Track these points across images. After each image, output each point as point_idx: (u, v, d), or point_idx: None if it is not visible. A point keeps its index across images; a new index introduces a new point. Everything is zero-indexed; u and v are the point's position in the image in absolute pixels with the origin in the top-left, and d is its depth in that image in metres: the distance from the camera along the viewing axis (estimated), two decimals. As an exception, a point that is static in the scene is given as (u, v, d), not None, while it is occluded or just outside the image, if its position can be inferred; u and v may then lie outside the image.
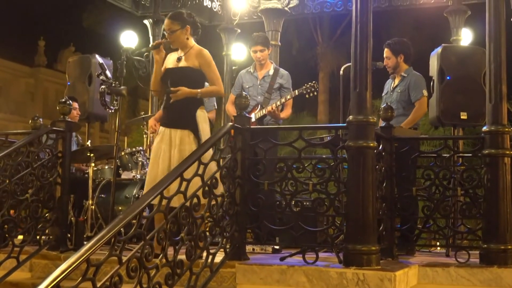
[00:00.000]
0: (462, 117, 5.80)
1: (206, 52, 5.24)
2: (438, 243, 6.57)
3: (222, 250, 4.65)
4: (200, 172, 4.37)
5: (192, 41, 5.29)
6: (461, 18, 8.51)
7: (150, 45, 5.27)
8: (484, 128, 4.98)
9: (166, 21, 5.28)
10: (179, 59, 5.26)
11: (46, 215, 5.65)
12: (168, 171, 4.76)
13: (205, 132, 5.15)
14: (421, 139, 6.07)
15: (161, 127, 5.29)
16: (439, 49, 5.92)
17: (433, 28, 13.97)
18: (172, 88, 5.12)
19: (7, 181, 5.42)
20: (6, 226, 5.37)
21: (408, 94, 6.22)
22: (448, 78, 5.82)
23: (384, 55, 6.31)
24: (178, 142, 5.07)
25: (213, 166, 4.57)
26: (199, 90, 5.17)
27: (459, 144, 6.10)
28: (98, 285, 3.40)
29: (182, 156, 4.87)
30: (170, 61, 5.33)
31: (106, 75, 6.20)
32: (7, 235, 5.36)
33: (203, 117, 5.20)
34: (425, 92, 6.15)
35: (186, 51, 5.25)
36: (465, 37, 9.01)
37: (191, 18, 5.27)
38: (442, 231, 5.49)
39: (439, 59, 5.86)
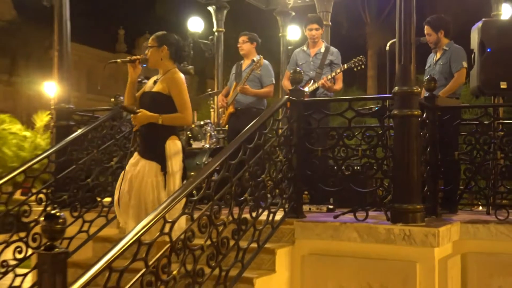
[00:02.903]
0: (502, 86, 5.60)
1: (177, 76, 4.31)
2: (479, 203, 6.44)
3: (281, 209, 4.69)
4: (260, 141, 4.41)
5: (169, 64, 4.37)
6: (501, -7, 8.21)
7: (127, 58, 4.43)
8: (524, 96, 4.82)
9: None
10: (155, 82, 4.41)
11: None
12: (134, 201, 4.15)
13: (175, 163, 4.23)
14: (462, 108, 5.92)
15: (136, 153, 4.36)
16: (479, 24, 5.73)
17: (475, 4, 13.46)
18: (134, 110, 4.29)
19: (95, 151, 5.61)
20: (96, 189, 5.57)
21: (450, 66, 6.06)
22: (488, 50, 5.62)
23: (425, 32, 6.14)
24: (144, 171, 4.16)
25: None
26: (160, 116, 4.19)
27: (499, 111, 5.92)
28: (174, 239, 3.49)
29: (141, 187, 4.13)
30: (149, 83, 4.52)
31: (176, 57, 6.28)
32: (97, 197, 5.56)
33: (173, 148, 4.23)
34: (464, 64, 5.98)
35: (162, 74, 4.40)
36: (505, 11, 8.67)
37: (174, 41, 4.41)
38: (483, 191, 5.40)
39: (479, 33, 5.67)
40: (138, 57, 4.41)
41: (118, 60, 4.54)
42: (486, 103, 7.57)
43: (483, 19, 5.83)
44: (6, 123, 23.98)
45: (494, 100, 5.91)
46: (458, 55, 6.06)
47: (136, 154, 4.32)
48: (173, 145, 4.24)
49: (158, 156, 4.18)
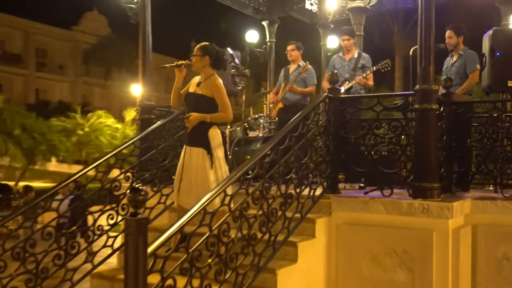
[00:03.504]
0: (509, 84, 5.38)
1: (218, 82, 4.35)
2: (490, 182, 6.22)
3: (320, 186, 4.66)
4: (304, 130, 4.39)
5: (210, 71, 4.39)
6: (510, 6, 7.84)
7: (174, 63, 4.46)
8: (527, 92, 4.62)
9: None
10: (198, 85, 4.41)
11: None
12: (192, 183, 4.27)
13: (220, 151, 4.34)
14: (474, 102, 5.70)
15: (186, 145, 4.47)
16: (490, 32, 5.51)
17: (487, 16, 12.90)
18: (186, 115, 4.38)
19: (170, 139, 5.69)
20: (171, 169, 5.61)
21: (465, 68, 5.87)
22: (498, 54, 5.40)
23: (448, 35, 5.96)
24: (195, 158, 4.30)
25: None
26: (208, 115, 4.29)
27: (507, 105, 5.70)
28: (233, 208, 3.53)
29: (196, 169, 4.26)
30: (192, 84, 4.49)
31: (235, 62, 6.32)
32: (172, 176, 5.58)
33: (215, 135, 4.33)
34: (478, 66, 5.78)
35: (204, 78, 4.40)
36: (514, 22, 8.29)
37: (214, 52, 4.40)
38: (492, 173, 5.21)
39: (490, 39, 5.46)
40: (183, 62, 4.47)
41: (167, 65, 4.58)
42: (495, 99, 7.29)
43: (494, 28, 5.62)
44: (102, 118, 24.74)
45: (502, 96, 5.69)
46: (472, 59, 5.88)
47: (185, 147, 4.43)
48: (215, 133, 4.34)
49: (204, 142, 4.27)
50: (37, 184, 20.28)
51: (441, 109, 4.66)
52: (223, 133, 6.95)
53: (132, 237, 2.70)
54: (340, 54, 6.58)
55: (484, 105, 6.87)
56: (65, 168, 24.82)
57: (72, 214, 6.98)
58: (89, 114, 25.29)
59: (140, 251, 2.70)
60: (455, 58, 5.99)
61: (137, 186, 2.79)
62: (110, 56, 35.66)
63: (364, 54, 6.47)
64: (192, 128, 4.36)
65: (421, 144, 4.38)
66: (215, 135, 4.34)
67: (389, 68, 6.11)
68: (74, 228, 4.58)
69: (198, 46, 4.42)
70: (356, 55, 6.41)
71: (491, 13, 8.92)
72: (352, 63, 6.36)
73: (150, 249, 2.78)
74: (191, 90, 4.47)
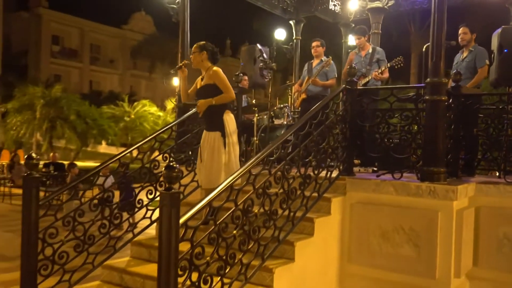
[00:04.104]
0: (515, 79, 5.21)
1: (216, 69, 4.41)
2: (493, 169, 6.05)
3: (337, 169, 4.63)
4: (323, 118, 4.36)
5: (208, 64, 4.47)
6: (519, 7, 7.54)
7: (176, 66, 4.60)
8: (531, 86, 4.46)
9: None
10: (202, 79, 4.52)
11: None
12: (207, 164, 4.35)
13: (233, 133, 4.40)
14: (481, 95, 5.53)
15: (204, 130, 4.56)
16: (499, 30, 5.32)
17: (496, 16, 12.42)
18: (195, 103, 4.51)
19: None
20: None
21: (475, 63, 5.70)
22: (505, 51, 5.22)
23: (463, 32, 5.79)
24: (211, 141, 4.38)
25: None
26: (213, 99, 4.36)
27: (513, 98, 5.51)
28: (256, 187, 3.54)
29: (212, 151, 4.34)
30: (198, 82, 4.58)
31: (263, 57, 6.29)
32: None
33: (230, 121, 4.41)
34: (487, 62, 5.61)
35: (205, 72, 4.49)
36: (522, 21, 7.97)
37: (210, 48, 4.49)
38: (496, 160, 5.07)
39: (499, 37, 5.27)
40: (182, 63, 4.61)
41: (172, 70, 4.74)
42: (502, 92, 7.06)
43: (502, 26, 5.43)
44: (146, 106, 25.11)
45: (508, 89, 5.51)
46: (482, 55, 5.71)
47: (204, 132, 4.52)
48: (230, 119, 4.41)
49: (218, 126, 4.35)
50: (88, 163, 20.75)
51: (450, 100, 4.56)
52: (251, 121, 7.07)
53: (166, 209, 2.75)
54: (356, 51, 6.51)
55: (491, 98, 6.70)
56: (113, 150, 25.31)
57: (121, 190, 7.12)
58: (135, 103, 25.69)
59: (173, 221, 2.74)
60: (465, 53, 5.83)
61: (171, 164, 2.82)
62: (155, 52, 35.97)
63: (378, 49, 6.38)
64: (207, 115, 4.44)
65: (430, 132, 4.30)
66: (229, 120, 4.40)
67: (401, 65, 5.99)
68: (117, 202, 4.66)
69: (195, 44, 4.53)
70: (370, 51, 6.32)
71: (501, 14, 8.58)
72: (368, 58, 6.26)
73: (182, 220, 2.82)
74: (198, 86, 4.56)
